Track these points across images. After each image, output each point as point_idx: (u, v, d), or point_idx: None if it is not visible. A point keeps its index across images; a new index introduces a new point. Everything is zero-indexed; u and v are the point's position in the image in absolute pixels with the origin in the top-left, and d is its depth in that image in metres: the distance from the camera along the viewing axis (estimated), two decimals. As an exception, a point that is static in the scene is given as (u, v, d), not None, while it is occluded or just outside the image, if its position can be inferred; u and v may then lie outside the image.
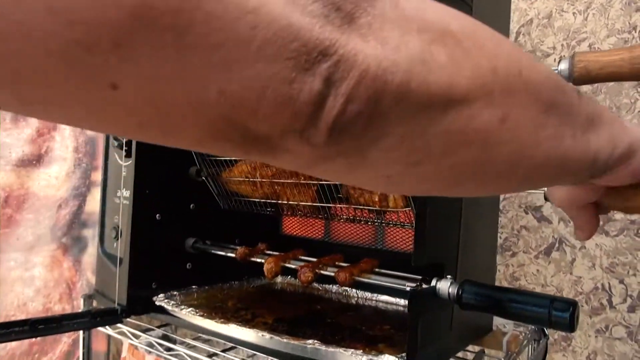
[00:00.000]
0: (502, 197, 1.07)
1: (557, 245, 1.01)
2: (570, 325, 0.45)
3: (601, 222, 0.96)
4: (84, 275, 1.44)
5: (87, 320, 0.67)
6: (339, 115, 0.18)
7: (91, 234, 1.43)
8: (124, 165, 0.77)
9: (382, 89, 0.18)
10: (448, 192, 0.26)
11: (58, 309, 1.42)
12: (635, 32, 0.94)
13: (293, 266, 0.69)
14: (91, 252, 1.44)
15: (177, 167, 0.81)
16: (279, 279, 0.94)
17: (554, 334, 1.01)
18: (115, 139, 0.80)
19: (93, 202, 1.43)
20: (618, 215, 0.94)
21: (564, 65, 0.48)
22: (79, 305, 1.41)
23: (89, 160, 1.44)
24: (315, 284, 0.89)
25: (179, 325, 0.74)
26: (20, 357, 1.41)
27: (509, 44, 0.24)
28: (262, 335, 0.58)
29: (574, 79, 0.47)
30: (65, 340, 1.40)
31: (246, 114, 0.17)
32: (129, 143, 0.75)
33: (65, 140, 1.44)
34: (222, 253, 0.78)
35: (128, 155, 0.75)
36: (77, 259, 1.45)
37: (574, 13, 1.00)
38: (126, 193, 0.77)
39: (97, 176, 1.44)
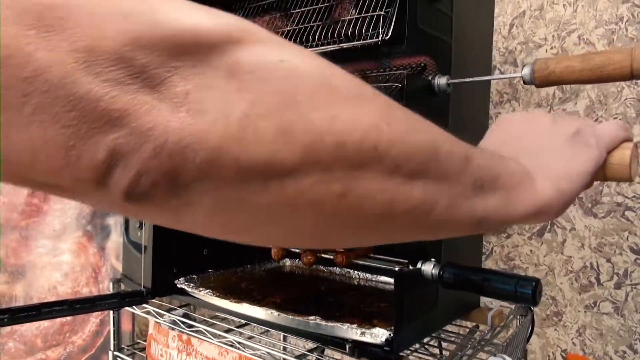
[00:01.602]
0: (497, 182, 1.13)
1: (549, 227, 1.07)
2: (532, 300, 0.52)
3: (589, 205, 1.02)
4: (108, 260, 1.55)
5: (117, 300, 0.76)
6: (132, 185, 0.18)
7: (113, 222, 1.53)
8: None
9: (181, 165, 0.17)
10: (306, 245, 0.26)
11: (85, 291, 1.53)
12: (622, 23, 0.98)
13: (297, 250, 0.77)
14: (114, 239, 1.54)
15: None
16: (287, 262, 1.03)
17: (545, 310, 1.09)
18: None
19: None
20: (605, 198, 1.00)
21: (526, 71, 0.54)
22: (104, 289, 1.52)
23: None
24: (321, 267, 0.97)
25: (198, 305, 0.83)
26: (52, 336, 1.53)
27: (380, 113, 0.22)
28: (271, 312, 0.67)
29: (535, 83, 0.53)
30: (93, 320, 1.51)
31: (27, 170, 0.17)
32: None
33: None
34: (235, 240, 0.86)
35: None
36: (101, 246, 1.55)
37: (564, 5, 1.05)
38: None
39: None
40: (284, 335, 0.97)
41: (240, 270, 0.95)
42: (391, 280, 0.89)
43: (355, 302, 0.79)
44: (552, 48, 1.06)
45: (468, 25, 0.72)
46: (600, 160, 0.35)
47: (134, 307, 0.84)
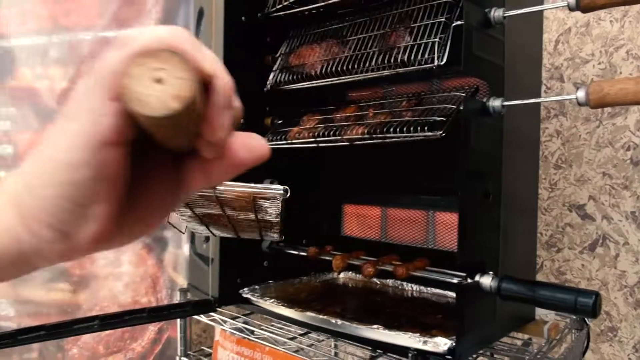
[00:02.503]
0: (546, 196, 1.14)
1: (600, 241, 1.07)
2: (593, 312, 0.54)
3: (642, 219, 1.02)
4: (166, 271, 1.63)
5: (189, 309, 0.83)
6: None
7: (170, 235, 1.61)
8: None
9: None
10: None
11: (144, 301, 1.61)
12: (672, 38, 0.99)
13: (357, 263, 0.82)
14: (171, 251, 1.62)
15: (254, 179, 0.95)
16: (342, 274, 1.07)
17: (600, 325, 1.08)
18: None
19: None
20: (659, 212, 1.00)
21: (580, 93, 0.57)
22: (162, 298, 1.60)
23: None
24: (374, 279, 1.01)
25: (262, 314, 0.88)
26: (114, 343, 1.62)
27: None
28: (335, 321, 0.71)
29: (590, 105, 0.56)
30: (152, 328, 1.59)
31: None
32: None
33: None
34: (295, 252, 0.92)
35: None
36: (160, 257, 1.64)
37: (610, 21, 1.06)
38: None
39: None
40: (334, 344, 1.01)
41: (298, 281, 1.00)
42: (443, 292, 0.92)
43: (411, 314, 0.82)
44: (599, 63, 1.08)
45: (519, 48, 0.75)
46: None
47: (200, 315, 0.90)
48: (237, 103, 0.27)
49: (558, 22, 1.15)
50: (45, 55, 1.70)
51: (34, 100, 1.70)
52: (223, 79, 0.24)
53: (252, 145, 0.27)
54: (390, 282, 0.99)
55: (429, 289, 0.94)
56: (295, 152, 0.93)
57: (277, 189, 0.52)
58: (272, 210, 0.72)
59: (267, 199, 0.66)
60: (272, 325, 0.89)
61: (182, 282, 1.60)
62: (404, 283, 0.97)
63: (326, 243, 0.97)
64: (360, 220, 1.04)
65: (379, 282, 1.01)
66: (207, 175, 0.26)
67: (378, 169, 1.00)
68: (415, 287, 0.96)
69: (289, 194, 0.50)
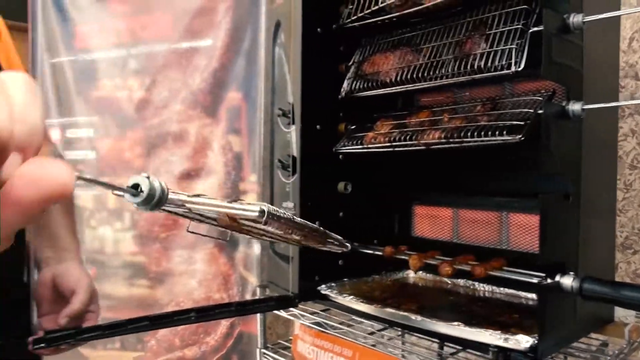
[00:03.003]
0: (621, 197, 1.12)
1: (680, 242, 1.05)
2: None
3: None
4: (237, 269, 1.71)
5: (273, 304, 0.88)
6: None
7: (241, 235, 1.69)
8: (289, 182, 0.98)
9: None
10: None
11: (217, 297, 1.70)
12: None
13: (433, 262, 0.85)
14: (242, 250, 1.71)
15: (329, 182, 1.00)
16: (412, 274, 1.10)
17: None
18: (280, 160, 1.01)
19: (242, 208, 1.69)
20: None
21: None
22: (234, 295, 1.68)
23: (237, 172, 1.71)
24: (445, 279, 1.04)
25: (339, 310, 0.93)
26: (189, 336, 1.72)
27: None
28: (415, 317, 0.75)
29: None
30: (224, 323, 1.68)
31: None
32: (293, 163, 0.95)
33: (217, 156, 1.72)
34: (370, 252, 0.96)
35: (293, 173, 0.96)
36: (231, 256, 1.72)
37: (691, 17, 1.03)
38: (290, 204, 0.97)
39: (244, 186, 1.70)
40: (402, 339, 1.04)
41: (370, 280, 1.04)
42: (517, 292, 0.93)
43: (486, 313, 0.84)
44: (678, 61, 1.05)
45: (597, 51, 0.75)
46: None
47: (280, 310, 0.96)
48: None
49: (632, 19, 1.12)
50: (124, 67, 1.83)
51: (114, 108, 1.83)
52: None
53: (40, 180, 0.24)
54: (461, 282, 1.01)
55: (501, 289, 0.95)
56: (366, 156, 0.97)
57: (252, 210, 0.47)
58: (274, 230, 0.71)
59: (252, 220, 0.61)
60: (348, 321, 0.93)
61: (253, 280, 1.68)
62: (476, 283, 0.98)
63: (397, 243, 1.01)
64: (431, 221, 1.07)
65: (449, 282, 1.03)
66: None
67: (449, 170, 1.02)
68: (488, 287, 0.97)
69: (265, 217, 0.47)
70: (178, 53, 1.72)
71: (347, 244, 0.62)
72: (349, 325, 0.90)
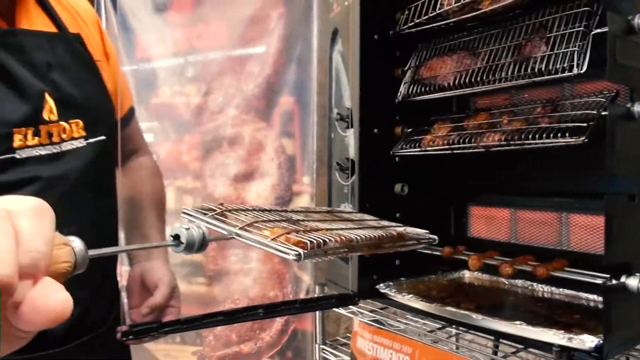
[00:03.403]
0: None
1: None
2: None
3: None
4: (291, 268, 1.77)
5: (334, 301, 0.92)
6: None
7: (294, 235, 1.74)
8: (347, 184, 1.01)
9: None
10: None
11: (272, 295, 1.76)
12: None
13: (492, 262, 0.86)
14: (295, 249, 1.75)
15: (386, 184, 1.03)
16: (467, 274, 1.11)
17: None
18: (338, 163, 1.05)
19: (295, 209, 1.74)
20: None
21: None
22: (288, 293, 1.74)
23: (290, 174, 1.77)
24: (502, 279, 1.04)
25: (398, 308, 0.95)
26: (245, 332, 1.79)
27: None
28: (475, 316, 0.76)
29: None
30: (279, 320, 1.73)
31: None
32: (352, 165, 0.99)
33: (270, 159, 1.78)
34: (429, 252, 0.98)
35: (351, 175, 0.99)
36: (284, 255, 1.77)
37: None
38: (349, 206, 1.01)
39: (297, 188, 1.75)
40: (457, 337, 1.06)
41: (427, 279, 1.06)
42: (576, 293, 0.93)
43: (547, 313, 0.85)
44: None
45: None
46: None
47: (340, 308, 1.00)
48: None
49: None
50: (181, 75, 1.93)
51: (173, 114, 1.93)
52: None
53: (45, 308, 0.29)
54: (519, 282, 1.01)
55: (561, 290, 0.95)
56: (423, 158, 0.99)
57: (290, 252, 0.51)
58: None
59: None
60: (406, 319, 0.96)
61: (307, 278, 1.73)
62: (534, 284, 0.99)
63: (453, 244, 1.02)
64: (487, 221, 1.08)
65: (506, 282, 1.04)
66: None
67: (506, 171, 1.03)
68: (547, 288, 0.97)
69: (302, 259, 0.49)
70: (233, 60, 1.80)
71: (432, 237, 0.67)
72: (409, 324, 0.93)
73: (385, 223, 0.81)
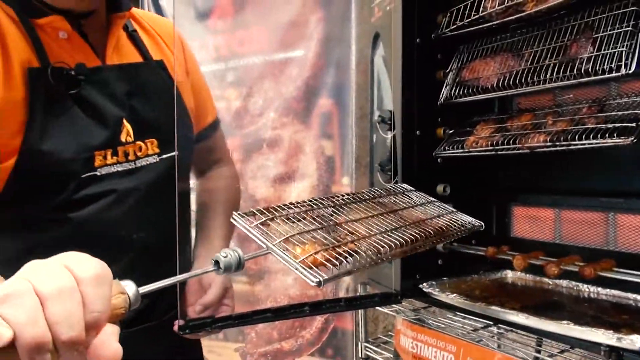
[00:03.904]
0: None
1: None
2: None
3: None
4: (331, 268, 1.79)
5: (377, 300, 0.94)
6: None
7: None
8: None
9: None
10: None
11: (311, 293, 1.80)
12: None
13: (539, 263, 0.86)
14: (334, 249, 1.78)
15: (428, 185, 1.04)
16: (509, 274, 1.11)
17: None
18: (380, 164, 1.07)
19: (334, 209, 1.77)
20: None
21: None
22: (327, 292, 1.76)
23: (329, 175, 1.80)
24: (545, 279, 1.04)
25: (442, 307, 0.97)
26: (286, 330, 1.83)
27: None
28: (521, 315, 0.77)
29: None
30: (319, 319, 1.77)
31: None
32: (394, 167, 1.01)
33: (309, 160, 1.81)
34: (472, 252, 0.99)
35: (394, 176, 1.01)
36: (324, 255, 1.80)
37: None
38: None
39: (337, 188, 1.78)
40: (498, 336, 1.06)
41: (469, 279, 1.07)
42: (623, 294, 0.91)
43: (593, 313, 0.85)
44: None
45: None
46: None
47: (383, 306, 1.02)
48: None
49: None
50: (222, 79, 1.99)
51: (214, 118, 1.98)
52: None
53: (104, 355, 0.42)
54: (564, 282, 1.01)
55: (607, 290, 0.94)
56: (466, 159, 1.00)
57: (311, 279, 0.59)
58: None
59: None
60: (446, 318, 0.97)
61: (347, 278, 1.75)
62: (579, 284, 0.98)
63: (496, 244, 1.03)
64: (531, 221, 1.08)
65: (550, 282, 1.04)
66: None
67: (549, 171, 1.03)
68: (592, 289, 0.96)
69: (322, 285, 0.59)
70: (272, 64, 1.84)
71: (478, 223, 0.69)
72: (451, 323, 0.94)
73: (432, 210, 0.83)
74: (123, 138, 0.81)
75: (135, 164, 0.82)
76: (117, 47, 0.85)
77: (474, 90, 0.93)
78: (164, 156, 0.86)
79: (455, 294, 0.91)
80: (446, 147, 0.97)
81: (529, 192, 1.10)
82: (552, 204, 1.03)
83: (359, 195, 0.82)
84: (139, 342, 0.82)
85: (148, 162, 0.84)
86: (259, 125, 1.89)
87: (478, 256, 1.02)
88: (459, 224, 0.80)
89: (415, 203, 0.84)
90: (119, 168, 0.80)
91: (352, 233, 0.71)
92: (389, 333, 1.16)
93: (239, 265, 0.61)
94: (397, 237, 0.71)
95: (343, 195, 0.80)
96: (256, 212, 0.70)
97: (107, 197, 0.79)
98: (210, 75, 2.02)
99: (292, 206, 0.75)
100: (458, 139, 0.96)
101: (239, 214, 0.69)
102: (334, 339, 1.75)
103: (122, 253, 0.81)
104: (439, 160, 1.04)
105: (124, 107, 0.81)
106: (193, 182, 1.07)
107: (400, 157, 0.99)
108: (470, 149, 0.92)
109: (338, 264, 0.62)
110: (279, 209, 0.73)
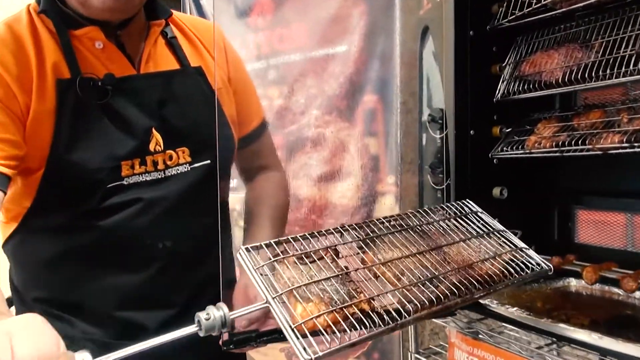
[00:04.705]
0: None
1: None
2: None
3: None
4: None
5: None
6: None
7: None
8: (440, 188, 0.97)
9: None
10: None
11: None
12: None
13: (613, 276, 0.78)
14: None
15: (484, 187, 0.97)
16: (573, 282, 1.03)
17: None
18: (431, 166, 1.01)
19: (380, 208, 1.72)
20: None
21: None
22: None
23: (374, 174, 1.74)
24: (614, 289, 0.95)
25: (501, 321, 0.90)
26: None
27: None
28: (595, 335, 0.70)
29: None
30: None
31: None
32: (446, 168, 0.95)
33: (354, 159, 1.76)
34: (533, 261, 0.92)
35: (446, 179, 0.95)
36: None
37: None
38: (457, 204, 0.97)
39: (381, 187, 1.72)
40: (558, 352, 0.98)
41: (529, 288, 0.99)
42: None
43: (675, 331, 0.76)
44: None
45: None
46: None
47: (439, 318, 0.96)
48: None
49: None
50: (264, 77, 1.96)
51: (256, 117, 1.96)
52: None
53: None
54: (637, 293, 0.92)
55: (689, 304, 0.85)
56: (525, 160, 0.93)
57: (304, 356, 0.50)
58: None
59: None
60: (503, 329, 0.90)
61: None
62: (657, 296, 0.89)
63: (557, 250, 0.95)
64: (598, 227, 0.99)
65: (621, 293, 0.95)
66: None
67: (620, 171, 0.93)
68: (671, 302, 0.87)
69: None
70: (314, 61, 1.80)
71: (547, 266, 0.61)
72: (500, 333, 0.87)
73: (489, 247, 0.71)
74: (152, 147, 0.81)
75: (164, 173, 0.82)
76: (154, 55, 0.84)
77: (536, 85, 0.85)
78: (196, 165, 0.85)
79: (515, 307, 0.84)
80: (504, 148, 0.90)
81: (595, 195, 1.01)
82: (623, 208, 0.94)
83: (402, 219, 0.72)
84: (184, 349, 0.80)
85: (179, 171, 0.83)
86: (302, 123, 1.85)
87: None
88: (519, 268, 0.69)
89: (470, 235, 0.73)
90: (147, 177, 0.80)
91: (374, 278, 0.61)
92: (441, 344, 1.10)
93: (224, 325, 0.56)
94: (428, 293, 0.60)
95: (384, 222, 0.70)
96: (266, 248, 0.63)
97: (133, 206, 0.79)
98: (252, 74, 1.98)
99: (316, 235, 0.66)
100: (517, 138, 0.89)
101: (245, 248, 0.63)
102: (379, 343, 1.70)
103: (150, 260, 0.82)
104: (495, 160, 0.97)
105: (153, 116, 0.81)
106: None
107: (452, 158, 0.93)
108: (532, 150, 0.84)
109: (339, 335, 0.53)
110: (294, 242, 0.64)
